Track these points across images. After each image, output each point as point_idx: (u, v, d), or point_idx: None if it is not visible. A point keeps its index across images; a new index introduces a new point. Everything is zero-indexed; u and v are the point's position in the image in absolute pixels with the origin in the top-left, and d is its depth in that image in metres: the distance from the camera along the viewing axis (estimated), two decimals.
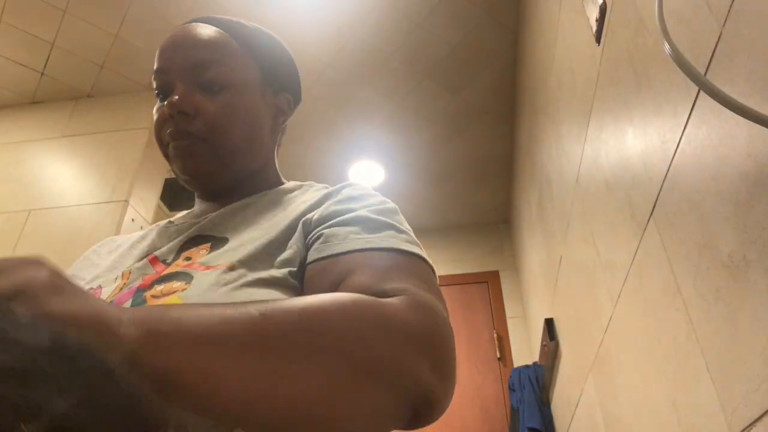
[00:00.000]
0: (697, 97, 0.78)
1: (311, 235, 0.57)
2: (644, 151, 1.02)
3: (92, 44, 2.51)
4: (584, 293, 1.64)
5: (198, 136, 0.63)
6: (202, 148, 0.64)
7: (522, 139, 2.76)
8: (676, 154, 0.87)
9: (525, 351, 3.22)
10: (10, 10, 2.36)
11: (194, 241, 0.61)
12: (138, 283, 0.56)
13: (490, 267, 3.64)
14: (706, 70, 0.74)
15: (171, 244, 0.62)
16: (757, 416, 0.65)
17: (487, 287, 3.57)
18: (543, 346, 2.45)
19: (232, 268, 0.52)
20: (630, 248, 1.15)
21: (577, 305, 1.78)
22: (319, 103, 2.82)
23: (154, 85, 0.67)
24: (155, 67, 0.66)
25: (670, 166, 0.90)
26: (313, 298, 0.42)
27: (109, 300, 0.51)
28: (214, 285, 0.50)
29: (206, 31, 0.67)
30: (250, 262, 0.53)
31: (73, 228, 2.36)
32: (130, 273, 0.60)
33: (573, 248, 1.76)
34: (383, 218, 0.57)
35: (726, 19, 0.69)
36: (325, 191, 0.66)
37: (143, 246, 0.66)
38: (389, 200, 0.63)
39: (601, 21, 1.22)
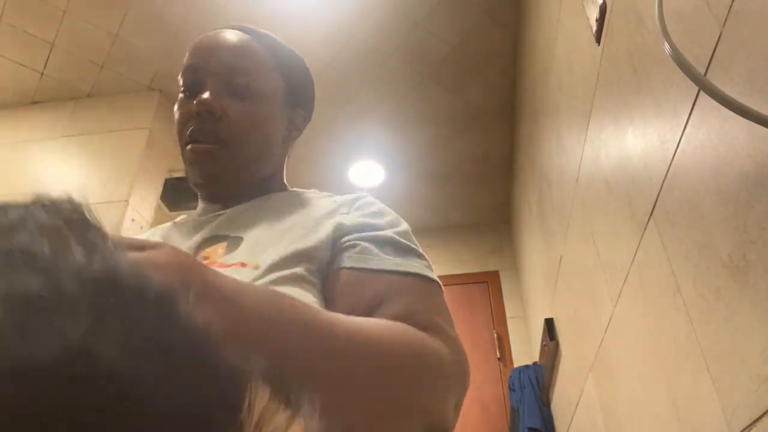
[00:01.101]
0: (697, 97, 0.78)
1: (344, 240, 0.60)
2: (644, 151, 1.02)
3: (92, 44, 2.51)
4: (584, 293, 1.64)
5: (219, 138, 0.65)
6: (220, 154, 0.65)
7: (522, 139, 2.76)
8: (676, 154, 0.87)
9: (525, 351, 3.22)
10: (10, 10, 2.36)
11: (210, 241, 0.62)
12: None
13: (490, 267, 3.64)
14: (706, 70, 0.74)
15: (187, 244, 0.63)
16: (757, 416, 0.65)
17: (487, 287, 3.57)
18: (543, 346, 2.46)
19: (256, 267, 0.55)
20: (630, 248, 1.14)
21: (577, 305, 1.78)
22: (319, 103, 2.81)
23: (181, 82, 0.68)
24: (187, 63, 0.68)
25: (670, 166, 0.90)
26: (381, 329, 0.48)
27: None
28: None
29: (242, 39, 0.70)
30: (272, 260, 0.55)
31: None
32: None
33: (573, 248, 1.76)
34: (407, 242, 0.61)
35: (726, 19, 0.69)
36: (340, 198, 0.68)
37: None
38: (401, 218, 0.67)
39: (601, 21, 1.22)
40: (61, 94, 2.75)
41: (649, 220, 1.02)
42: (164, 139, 2.75)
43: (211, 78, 0.66)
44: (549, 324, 2.29)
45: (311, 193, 0.73)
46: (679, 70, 0.66)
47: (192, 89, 0.67)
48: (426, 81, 2.75)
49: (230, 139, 0.65)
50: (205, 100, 0.64)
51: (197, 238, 0.63)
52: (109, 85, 2.71)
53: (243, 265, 0.56)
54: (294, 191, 0.74)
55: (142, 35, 2.49)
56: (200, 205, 0.73)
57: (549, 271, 2.28)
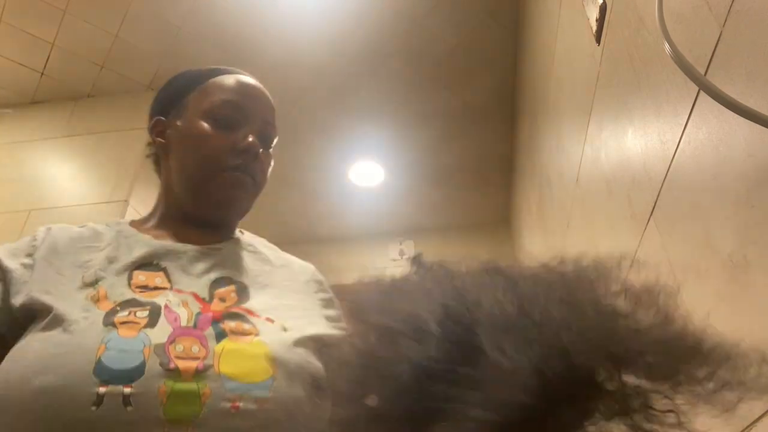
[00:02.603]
0: (697, 97, 0.78)
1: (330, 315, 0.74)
2: (644, 151, 1.02)
3: (92, 44, 2.51)
4: None
5: (254, 179, 0.75)
6: (250, 190, 0.75)
7: (522, 139, 2.76)
8: (676, 154, 0.87)
9: None
10: (10, 10, 2.36)
11: (220, 282, 0.68)
12: (198, 308, 0.62)
13: None
14: (706, 70, 0.74)
15: (198, 281, 0.67)
16: (757, 416, 0.65)
17: None
18: None
19: (284, 329, 0.64)
20: (630, 248, 1.15)
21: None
22: (319, 104, 2.82)
23: (222, 113, 0.74)
24: (230, 98, 0.75)
25: (670, 166, 0.90)
26: None
27: (189, 321, 0.60)
28: (281, 343, 0.61)
29: (270, 97, 0.81)
30: (299, 331, 0.65)
31: None
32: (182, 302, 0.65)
33: (573, 248, 1.76)
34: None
35: (726, 19, 0.69)
36: (300, 265, 0.83)
37: (127, 257, 0.68)
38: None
39: (601, 21, 1.22)
40: (61, 94, 2.75)
41: (649, 220, 1.02)
42: None
43: (252, 123, 0.75)
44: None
45: (265, 246, 0.83)
46: (679, 70, 0.66)
47: (229, 124, 0.74)
48: (426, 81, 2.75)
49: (260, 182, 0.77)
50: (256, 143, 0.74)
51: (212, 275, 0.68)
52: (109, 85, 2.71)
53: (270, 320, 0.64)
54: (248, 238, 0.82)
55: (142, 35, 2.49)
56: (170, 225, 0.76)
57: None
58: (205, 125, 0.73)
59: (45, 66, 2.61)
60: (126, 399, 0.50)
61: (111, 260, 0.66)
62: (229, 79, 0.78)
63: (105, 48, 2.53)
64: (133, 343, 0.54)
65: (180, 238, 0.73)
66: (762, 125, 0.56)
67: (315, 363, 0.62)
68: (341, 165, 3.23)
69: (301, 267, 0.82)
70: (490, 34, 2.52)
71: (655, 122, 0.95)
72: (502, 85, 2.77)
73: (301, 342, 0.63)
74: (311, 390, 0.59)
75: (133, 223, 0.76)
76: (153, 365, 0.53)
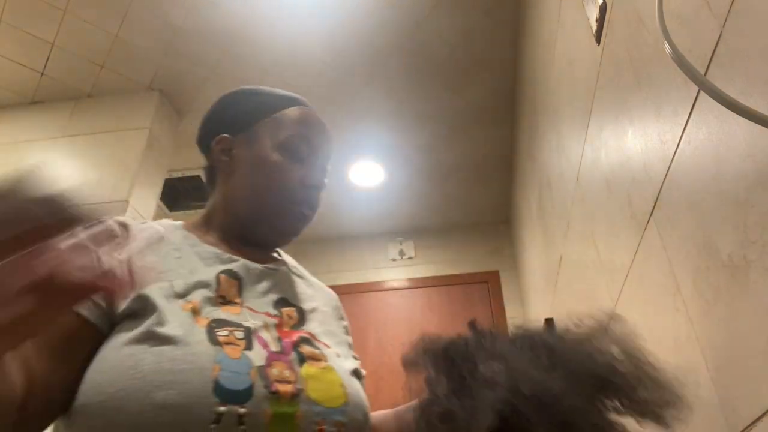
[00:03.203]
0: (697, 97, 0.78)
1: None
2: (644, 151, 1.02)
3: (92, 44, 2.51)
4: (584, 293, 1.64)
5: (314, 211, 0.81)
6: (309, 222, 0.81)
7: (522, 139, 2.76)
8: (676, 154, 0.87)
9: None
10: (10, 10, 2.36)
11: (280, 303, 0.73)
12: (275, 332, 0.66)
13: (490, 267, 3.64)
14: (706, 70, 0.74)
15: (263, 299, 0.71)
16: (757, 416, 0.65)
17: (487, 287, 3.56)
18: None
19: (337, 356, 0.70)
20: (630, 248, 1.15)
21: (577, 305, 1.78)
22: (319, 103, 2.82)
23: (295, 147, 0.79)
24: (303, 133, 0.80)
25: (670, 166, 0.90)
26: None
27: (275, 345, 0.64)
28: (343, 370, 0.67)
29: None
30: (337, 350, 0.72)
31: None
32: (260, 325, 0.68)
33: (573, 248, 1.76)
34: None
35: (726, 19, 0.69)
36: (328, 294, 0.87)
37: (203, 271, 0.69)
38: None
39: (601, 21, 1.22)
40: (61, 94, 2.75)
41: (649, 219, 1.02)
42: (164, 139, 2.74)
43: (318, 157, 0.82)
44: (549, 324, 2.29)
45: (299, 268, 0.87)
46: (679, 70, 0.66)
47: (300, 158, 0.79)
48: (426, 81, 2.75)
49: (317, 211, 0.82)
50: (322, 180, 0.81)
51: (272, 295, 0.72)
52: (109, 85, 2.71)
53: (327, 346, 0.70)
54: (290, 260, 0.87)
55: (142, 35, 2.49)
56: (230, 240, 0.78)
57: (549, 271, 2.28)
58: (279, 157, 0.77)
59: (45, 66, 2.61)
60: (240, 419, 0.54)
61: (191, 271, 0.67)
62: (302, 113, 0.83)
63: (105, 48, 2.54)
64: (240, 365, 0.57)
65: (240, 254, 0.75)
66: (762, 125, 0.56)
67: (363, 393, 0.69)
68: (341, 165, 3.24)
69: (328, 292, 0.87)
70: (490, 34, 2.52)
71: (655, 122, 0.95)
72: (502, 85, 2.77)
73: (354, 372, 0.70)
74: (365, 418, 0.66)
75: (191, 230, 0.77)
76: (259, 388, 0.56)
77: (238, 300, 0.67)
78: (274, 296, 0.72)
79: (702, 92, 0.76)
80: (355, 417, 0.63)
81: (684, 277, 0.88)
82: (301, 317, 0.72)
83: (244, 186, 0.78)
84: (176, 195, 3.45)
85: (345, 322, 0.85)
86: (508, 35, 2.53)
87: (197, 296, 0.64)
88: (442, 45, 2.57)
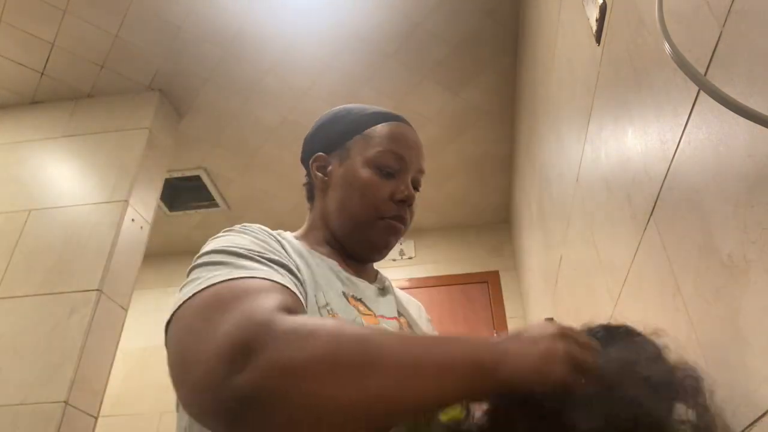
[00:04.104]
0: (697, 97, 0.78)
1: None
2: (644, 151, 1.02)
3: (92, 44, 2.51)
4: (584, 293, 1.64)
5: (405, 224, 0.82)
6: (401, 235, 0.83)
7: (522, 139, 2.76)
8: (676, 154, 0.87)
9: None
10: (10, 10, 2.36)
11: (398, 315, 0.78)
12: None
13: (490, 267, 3.64)
14: (706, 70, 0.74)
15: (382, 308, 0.76)
16: (757, 416, 0.65)
17: (487, 287, 3.57)
18: None
19: None
20: (630, 248, 1.15)
21: (577, 305, 1.78)
22: (319, 104, 2.82)
23: (384, 163, 0.81)
24: (392, 149, 0.82)
25: (670, 166, 0.90)
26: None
27: None
28: None
29: (421, 143, 0.88)
30: None
31: (73, 228, 2.36)
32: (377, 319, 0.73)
33: (573, 248, 1.76)
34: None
35: (726, 19, 0.69)
36: (421, 306, 0.93)
37: (335, 282, 0.74)
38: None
39: (601, 21, 1.22)
40: (61, 94, 2.75)
41: (649, 219, 1.02)
42: (164, 139, 2.74)
43: (409, 173, 0.82)
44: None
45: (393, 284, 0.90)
46: (679, 70, 0.66)
47: (389, 173, 0.81)
48: (426, 81, 2.75)
49: (409, 224, 0.84)
50: (412, 194, 0.81)
51: (393, 308, 0.78)
52: (109, 85, 2.71)
53: None
54: (384, 276, 0.90)
55: (142, 35, 2.49)
56: (336, 251, 0.82)
57: (549, 271, 2.28)
58: (369, 173, 0.80)
59: (45, 66, 2.61)
60: None
61: (318, 281, 0.70)
62: (391, 129, 0.84)
63: (105, 48, 2.54)
64: None
65: (347, 266, 0.80)
66: (762, 125, 0.56)
67: None
68: None
69: (416, 303, 0.91)
70: (490, 34, 2.52)
71: (655, 122, 0.95)
72: (502, 85, 2.77)
73: None
74: None
75: (300, 239, 0.81)
76: None
77: (369, 312, 0.71)
78: (395, 310, 0.77)
79: (702, 92, 0.76)
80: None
81: (684, 277, 0.88)
82: (410, 330, 0.77)
83: (337, 202, 0.81)
84: (176, 195, 3.46)
85: (436, 333, 0.88)
86: (508, 35, 2.53)
87: (337, 307, 0.67)
88: (442, 45, 2.57)
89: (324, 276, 0.71)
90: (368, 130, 0.84)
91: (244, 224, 0.71)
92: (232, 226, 0.72)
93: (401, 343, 0.50)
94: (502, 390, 0.49)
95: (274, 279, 0.56)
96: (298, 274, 0.64)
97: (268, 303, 0.50)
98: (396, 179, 0.81)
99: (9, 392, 1.97)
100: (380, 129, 0.84)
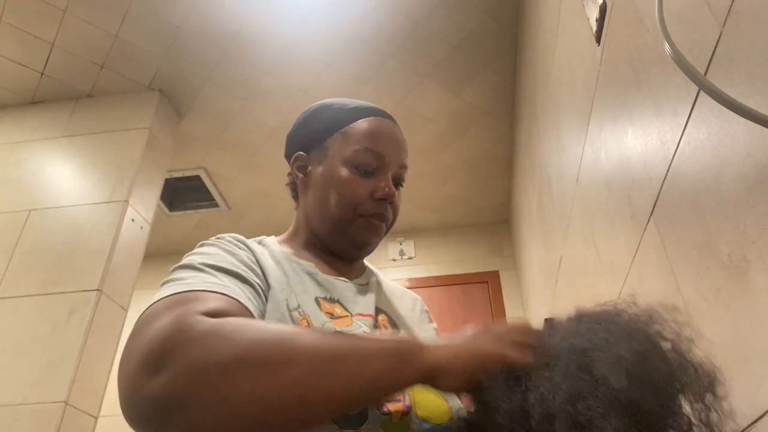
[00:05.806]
0: (697, 97, 0.78)
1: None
2: (644, 151, 1.02)
3: (92, 44, 2.51)
4: (584, 293, 1.64)
5: (387, 220, 0.81)
6: (383, 233, 0.81)
7: (522, 139, 2.76)
8: (676, 154, 0.87)
9: None
10: (10, 10, 2.36)
11: (378, 311, 0.76)
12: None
13: (490, 267, 3.64)
14: (706, 70, 0.74)
15: (360, 306, 0.74)
16: (757, 416, 0.65)
17: (487, 287, 3.57)
18: None
19: None
20: (630, 248, 1.15)
21: (577, 305, 1.78)
22: None
23: (362, 161, 0.79)
24: (370, 147, 0.79)
25: (670, 166, 0.90)
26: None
27: None
28: None
29: (404, 139, 0.86)
30: None
31: (73, 228, 2.36)
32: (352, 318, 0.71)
33: (573, 248, 1.76)
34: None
35: (726, 19, 0.69)
36: (411, 295, 0.90)
37: (310, 286, 0.72)
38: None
39: (601, 21, 1.22)
40: (61, 94, 2.75)
41: (649, 220, 1.02)
42: (164, 139, 2.74)
43: (389, 168, 0.80)
44: (549, 324, 2.29)
45: (387, 279, 0.89)
46: (679, 70, 0.66)
47: (368, 171, 0.79)
48: (426, 81, 2.75)
49: (392, 222, 0.82)
50: (392, 192, 0.79)
51: (371, 305, 0.75)
52: (109, 85, 2.71)
53: None
54: (373, 271, 0.87)
55: (142, 35, 2.49)
56: (316, 252, 0.81)
57: (549, 271, 2.28)
58: (347, 172, 0.78)
59: (45, 66, 2.61)
60: None
61: (293, 286, 0.69)
62: (369, 125, 0.82)
63: (105, 48, 2.54)
64: None
65: (329, 267, 0.79)
66: (762, 125, 0.56)
67: (458, 400, 0.67)
68: None
69: (411, 296, 0.89)
70: (490, 34, 2.52)
71: (655, 122, 0.95)
72: (502, 85, 2.77)
73: None
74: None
75: (282, 244, 0.81)
76: (372, 410, 0.57)
77: (346, 313, 0.70)
78: (374, 307, 0.75)
79: (702, 92, 0.76)
80: (459, 430, 0.63)
81: (684, 277, 0.88)
82: (394, 327, 0.75)
83: (317, 202, 0.80)
84: (176, 195, 3.45)
85: (434, 324, 0.86)
86: (508, 35, 2.53)
87: (308, 310, 0.66)
88: (442, 45, 2.57)
89: (299, 281, 0.70)
90: (347, 128, 0.82)
91: (218, 236, 0.71)
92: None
93: (324, 337, 0.51)
94: (425, 379, 0.51)
95: (215, 289, 0.56)
96: (256, 281, 0.64)
97: (194, 308, 0.50)
98: (375, 177, 0.79)
99: (9, 392, 1.97)
100: (358, 126, 0.82)
